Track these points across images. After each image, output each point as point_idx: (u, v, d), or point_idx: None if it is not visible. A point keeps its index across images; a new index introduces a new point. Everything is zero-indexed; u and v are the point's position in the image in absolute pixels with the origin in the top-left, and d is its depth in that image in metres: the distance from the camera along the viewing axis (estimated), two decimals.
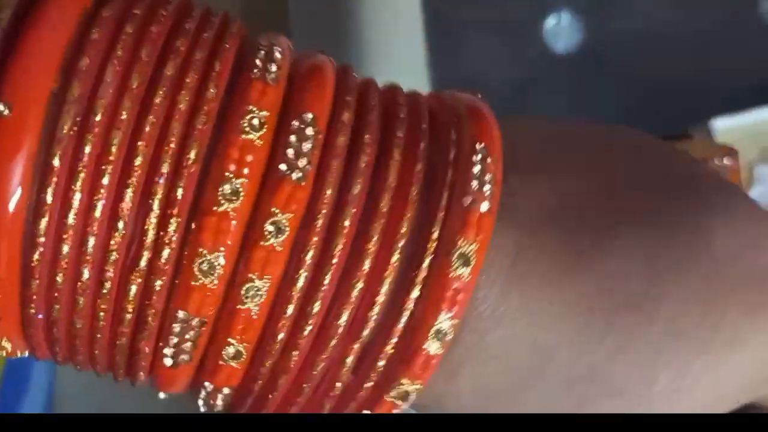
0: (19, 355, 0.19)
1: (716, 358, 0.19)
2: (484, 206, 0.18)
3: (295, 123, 0.18)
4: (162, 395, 0.20)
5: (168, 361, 0.18)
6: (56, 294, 0.17)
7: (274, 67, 0.18)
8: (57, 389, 0.49)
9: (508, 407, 0.20)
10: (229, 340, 0.18)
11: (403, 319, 0.18)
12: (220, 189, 0.17)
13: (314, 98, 0.18)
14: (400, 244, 0.18)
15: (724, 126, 0.52)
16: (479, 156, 0.18)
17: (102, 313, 0.18)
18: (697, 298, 0.19)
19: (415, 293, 0.18)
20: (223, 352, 0.18)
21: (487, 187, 0.18)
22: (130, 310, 0.18)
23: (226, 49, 0.18)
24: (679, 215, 0.20)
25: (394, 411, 0.19)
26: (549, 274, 0.19)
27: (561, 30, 0.56)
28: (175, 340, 0.18)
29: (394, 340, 0.18)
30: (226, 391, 0.19)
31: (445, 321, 0.18)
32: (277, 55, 0.18)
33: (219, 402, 0.19)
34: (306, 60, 0.19)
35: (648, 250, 0.19)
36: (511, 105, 0.51)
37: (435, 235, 0.18)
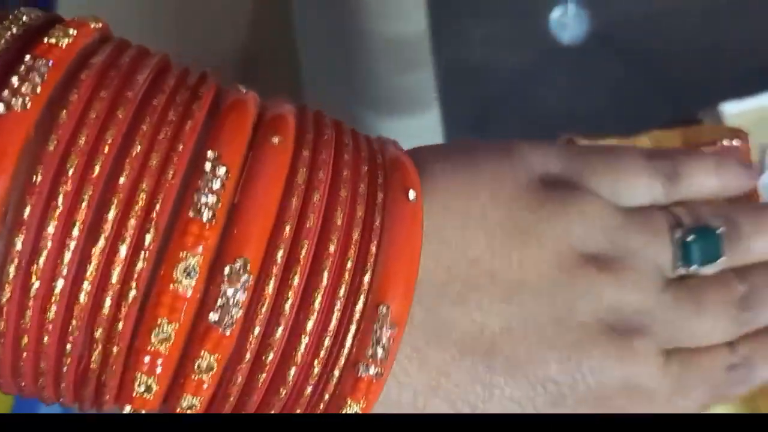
0: None
1: None
2: (374, 372, 0.19)
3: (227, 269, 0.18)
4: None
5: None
6: (24, 331, 0.18)
7: (212, 199, 0.18)
8: None
9: None
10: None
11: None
12: (153, 333, 0.18)
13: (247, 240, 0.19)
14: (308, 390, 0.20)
15: (734, 110, 0.51)
16: (379, 322, 0.19)
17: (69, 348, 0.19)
18: None
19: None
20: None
21: (380, 354, 0.19)
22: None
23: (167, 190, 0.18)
24: None
25: None
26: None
27: (567, 21, 0.56)
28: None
29: None
30: None
31: None
32: (218, 183, 0.18)
33: None
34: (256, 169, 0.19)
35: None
36: (516, 93, 0.50)
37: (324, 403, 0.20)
